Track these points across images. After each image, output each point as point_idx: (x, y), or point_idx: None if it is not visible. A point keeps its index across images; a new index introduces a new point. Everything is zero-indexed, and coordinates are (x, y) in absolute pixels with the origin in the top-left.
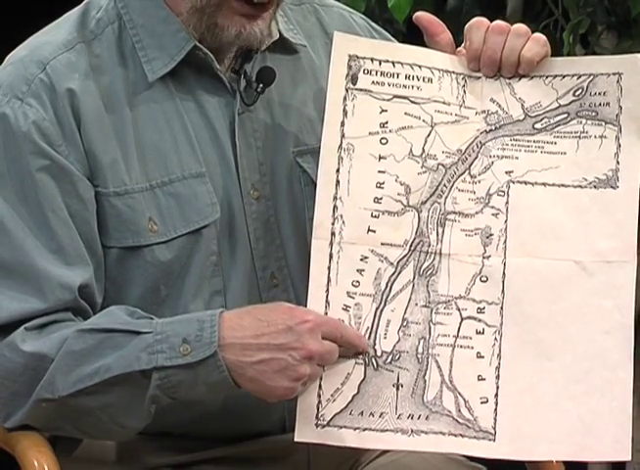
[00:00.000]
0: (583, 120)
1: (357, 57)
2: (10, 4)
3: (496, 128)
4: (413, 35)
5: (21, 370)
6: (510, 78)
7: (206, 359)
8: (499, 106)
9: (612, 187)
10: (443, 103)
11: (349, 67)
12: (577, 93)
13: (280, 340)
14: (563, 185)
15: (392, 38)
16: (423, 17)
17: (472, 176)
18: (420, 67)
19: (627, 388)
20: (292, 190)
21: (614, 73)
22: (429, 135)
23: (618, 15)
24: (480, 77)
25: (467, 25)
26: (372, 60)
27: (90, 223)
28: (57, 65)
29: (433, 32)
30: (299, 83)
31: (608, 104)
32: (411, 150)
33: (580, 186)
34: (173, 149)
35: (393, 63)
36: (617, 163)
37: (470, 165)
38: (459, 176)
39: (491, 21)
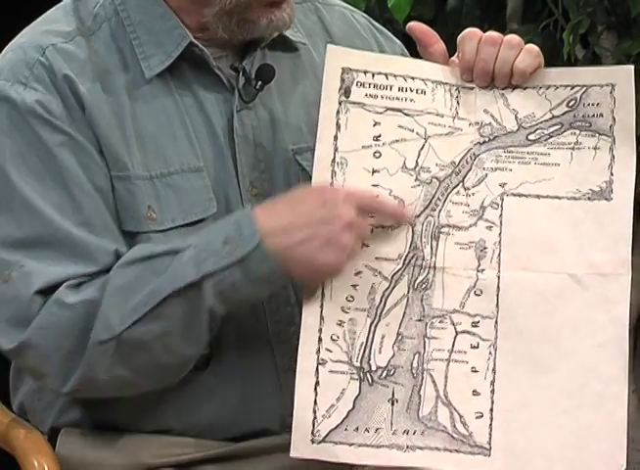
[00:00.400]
0: (577, 132)
1: (350, 69)
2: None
3: (490, 140)
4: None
5: (72, 323)
6: (503, 89)
7: (252, 252)
8: (493, 117)
9: (606, 199)
10: (437, 115)
11: (342, 80)
12: (571, 104)
13: (317, 215)
14: (557, 197)
15: (393, 37)
16: (416, 27)
17: (465, 189)
18: (413, 78)
19: (622, 402)
20: (290, 187)
21: (607, 84)
22: (422, 148)
23: (618, 15)
24: (473, 88)
25: (459, 36)
26: (365, 72)
27: (111, 197)
28: (56, 51)
29: (426, 43)
30: (299, 81)
31: (601, 115)
32: (404, 163)
33: (574, 198)
34: (172, 143)
35: (386, 75)
36: (611, 174)
37: (463, 178)
38: (453, 189)
39: (491, 21)
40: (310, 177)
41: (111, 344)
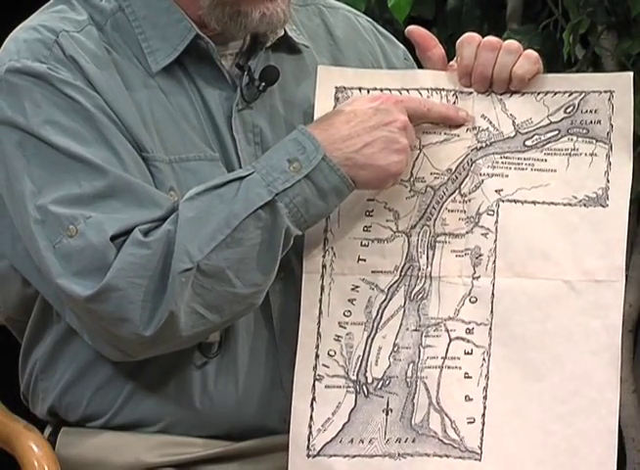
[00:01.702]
0: (574, 138)
1: (345, 88)
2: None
3: (487, 145)
4: None
5: (152, 259)
6: (501, 94)
7: (319, 165)
8: (490, 122)
9: (601, 205)
10: (432, 123)
11: (337, 98)
12: (569, 110)
13: (373, 121)
14: (552, 203)
15: (397, 41)
16: (415, 31)
17: (462, 195)
18: (408, 90)
19: (614, 409)
20: None
21: (605, 91)
22: (417, 159)
23: (618, 15)
24: (471, 93)
25: (458, 41)
26: (360, 89)
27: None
28: (69, 37)
29: (425, 47)
30: (302, 83)
31: (599, 121)
32: None
33: (570, 204)
34: (189, 130)
35: (381, 90)
36: (608, 181)
37: (460, 184)
38: (449, 196)
39: (491, 21)
40: None
41: (191, 273)
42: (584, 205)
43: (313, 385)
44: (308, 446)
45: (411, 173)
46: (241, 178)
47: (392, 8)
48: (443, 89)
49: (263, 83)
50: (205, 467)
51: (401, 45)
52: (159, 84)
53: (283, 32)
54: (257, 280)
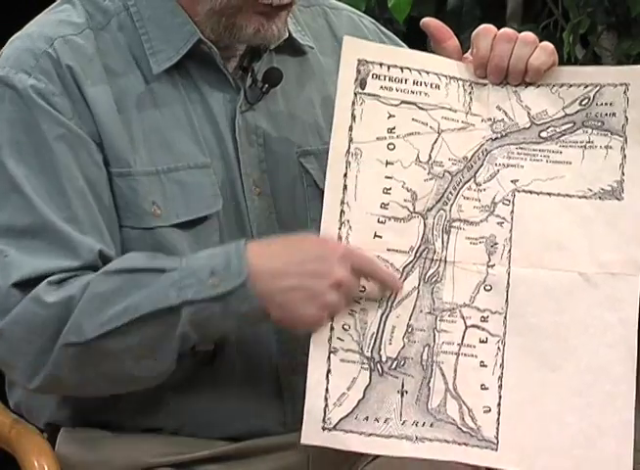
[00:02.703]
0: (589, 130)
1: (366, 61)
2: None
3: (502, 136)
4: (413, 35)
5: (47, 322)
6: (516, 86)
7: (237, 289)
8: (505, 114)
9: (617, 198)
10: (450, 109)
11: (358, 71)
12: (584, 103)
13: (309, 267)
14: (568, 195)
15: (402, 43)
16: (430, 22)
17: (477, 184)
18: (427, 73)
19: (630, 402)
20: (294, 190)
21: (621, 84)
22: (435, 142)
23: (618, 15)
24: (486, 84)
25: (474, 32)
26: (381, 64)
27: (107, 191)
28: (64, 43)
29: (440, 38)
30: (306, 85)
31: (614, 114)
32: (418, 156)
33: (585, 197)
34: (179, 139)
35: (402, 68)
36: (623, 174)
37: (475, 173)
38: (464, 184)
39: (491, 21)
40: (314, 181)
41: (78, 348)
42: (599, 197)
43: (328, 357)
44: (324, 419)
45: (430, 156)
46: (162, 271)
47: (392, 8)
48: (460, 79)
49: (266, 85)
50: (205, 467)
51: (404, 45)
52: (154, 91)
53: (287, 34)
54: (151, 367)
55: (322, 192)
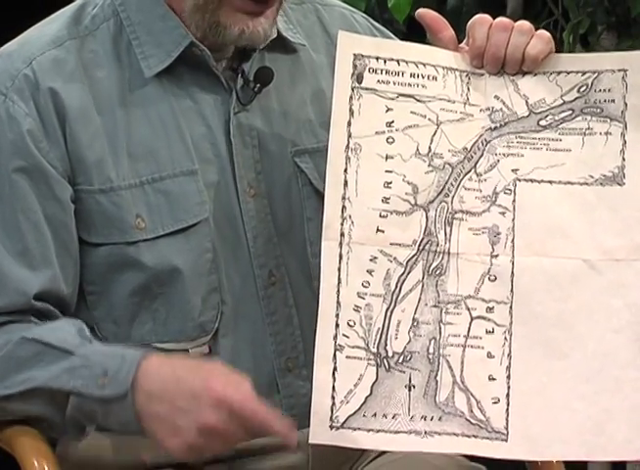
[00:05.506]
0: (588, 117)
1: (362, 56)
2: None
3: (501, 126)
4: (413, 35)
5: None
6: (514, 75)
7: (118, 398)
8: (503, 103)
9: (618, 184)
10: (448, 101)
11: (355, 66)
12: (582, 90)
13: (182, 402)
14: (569, 182)
15: (394, 36)
16: (426, 14)
17: (478, 175)
18: (424, 65)
19: (638, 386)
20: (289, 189)
21: (619, 70)
22: (434, 134)
23: (618, 15)
24: (483, 74)
25: (470, 22)
26: (377, 58)
27: (67, 225)
28: (43, 61)
29: (436, 29)
30: (298, 83)
31: (613, 100)
32: (417, 149)
33: (587, 183)
34: (165, 146)
35: (398, 61)
36: (623, 159)
37: (475, 164)
38: (465, 175)
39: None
40: (309, 180)
41: None
42: (601, 184)
43: (334, 355)
44: (332, 418)
45: (429, 149)
46: (70, 353)
47: (392, 8)
48: (457, 69)
49: (258, 85)
50: (205, 467)
51: (397, 39)
52: (142, 97)
53: (276, 33)
54: (50, 434)
55: (317, 191)
